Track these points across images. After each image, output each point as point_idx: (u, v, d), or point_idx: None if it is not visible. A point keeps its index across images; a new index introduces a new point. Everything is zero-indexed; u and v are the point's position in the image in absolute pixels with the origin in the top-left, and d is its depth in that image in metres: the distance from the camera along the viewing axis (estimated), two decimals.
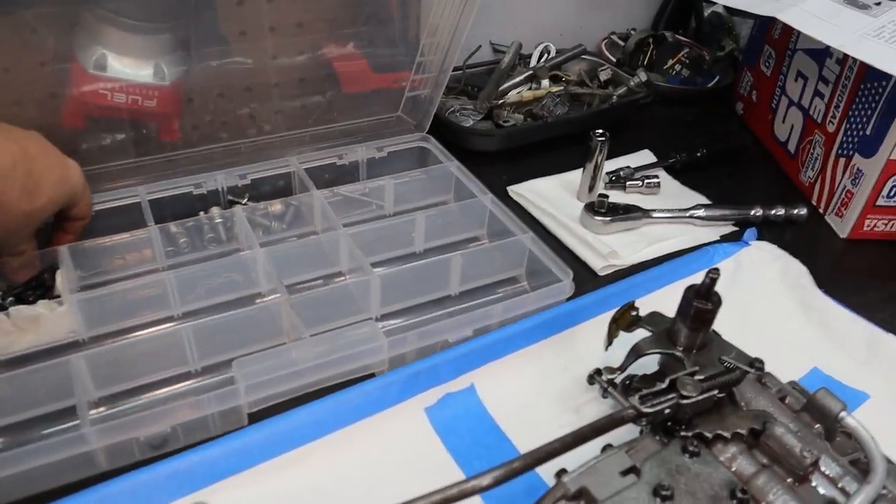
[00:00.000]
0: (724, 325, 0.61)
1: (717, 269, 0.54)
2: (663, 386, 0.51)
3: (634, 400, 0.50)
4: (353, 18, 0.87)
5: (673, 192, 0.92)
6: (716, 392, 0.51)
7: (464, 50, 1.06)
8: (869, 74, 0.82)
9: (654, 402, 0.50)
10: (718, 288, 0.62)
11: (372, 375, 0.62)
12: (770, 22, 1.04)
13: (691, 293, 0.55)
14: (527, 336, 0.65)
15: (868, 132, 0.83)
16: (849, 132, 0.86)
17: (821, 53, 0.92)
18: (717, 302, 0.55)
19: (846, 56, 0.83)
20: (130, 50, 0.70)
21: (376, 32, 0.89)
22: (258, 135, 0.87)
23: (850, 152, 0.86)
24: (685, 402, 0.50)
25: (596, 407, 0.62)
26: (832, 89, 0.90)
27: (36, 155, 0.63)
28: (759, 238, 0.83)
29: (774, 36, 1.05)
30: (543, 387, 0.63)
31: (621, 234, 0.83)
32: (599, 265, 0.78)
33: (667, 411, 0.50)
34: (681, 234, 0.84)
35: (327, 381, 0.61)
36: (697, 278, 0.73)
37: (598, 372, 0.60)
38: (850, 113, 0.86)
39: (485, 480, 0.44)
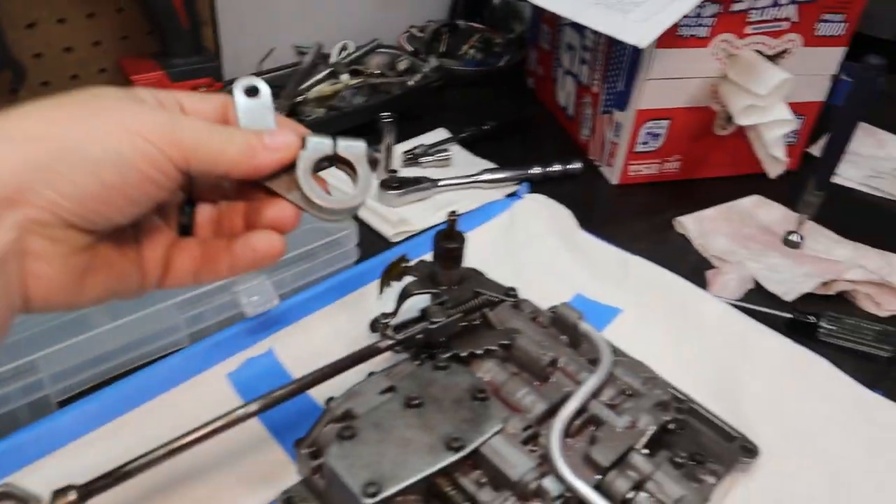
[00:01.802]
0: (502, 268, 0.71)
1: (454, 212, 0.61)
2: (416, 316, 0.59)
3: (389, 331, 0.58)
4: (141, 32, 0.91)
5: (465, 163, 1.01)
6: (461, 315, 0.60)
7: (261, 54, 1.13)
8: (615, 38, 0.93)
9: (406, 330, 0.58)
10: (495, 238, 0.70)
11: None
12: None
13: (439, 237, 0.63)
14: (320, 299, 0.72)
15: (620, 89, 0.94)
16: (608, 91, 0.98)
17: (580, 25, 1.03)
18: (460, 240, 0.62)
19: None
20: None
21: (170, 43, 0.94)
22: None
23: (610, 108, 0.97)
24: (433, 326, 0.58)
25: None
26: (592, 55, 1.01)
27: None
28: (540, 192, 0.92)
29: (546, 15, 1.16)
30: (338, 342, 0.69)
31: (416, 203, 0.91)
32: (391, 232, 0.85)
33: (419, 336, 0.58)
34: (469, 199, 0.92)
35: (134, 361, 0.65)
36: (477, 233, 0.83)
37: (376, 319, 0.68)
38: (607, 74, 0.97)
39: (253, 406, 0.51)
